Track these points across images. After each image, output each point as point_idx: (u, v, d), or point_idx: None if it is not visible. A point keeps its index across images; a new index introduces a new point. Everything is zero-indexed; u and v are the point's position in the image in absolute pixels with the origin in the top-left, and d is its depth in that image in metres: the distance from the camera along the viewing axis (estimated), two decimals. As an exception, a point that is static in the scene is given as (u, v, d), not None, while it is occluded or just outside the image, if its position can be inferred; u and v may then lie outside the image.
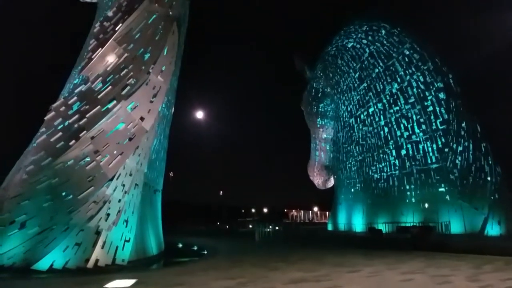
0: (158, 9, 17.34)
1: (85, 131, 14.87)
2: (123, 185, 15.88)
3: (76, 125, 14.98)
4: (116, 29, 16.14)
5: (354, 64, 46.98)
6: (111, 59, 15.98)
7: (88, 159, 14.75)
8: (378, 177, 42.65)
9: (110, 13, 16.80)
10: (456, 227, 32.20)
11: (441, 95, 37.13)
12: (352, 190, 47.35)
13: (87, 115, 15.06)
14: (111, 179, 15.31)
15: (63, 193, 14.23)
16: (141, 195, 17.82)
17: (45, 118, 15.50)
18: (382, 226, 37.38)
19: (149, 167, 19.48)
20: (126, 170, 16.20)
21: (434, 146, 36.73)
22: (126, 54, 16.03)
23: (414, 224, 35.11)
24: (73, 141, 14.59)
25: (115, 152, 15.57)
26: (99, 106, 15.18)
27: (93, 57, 15.83)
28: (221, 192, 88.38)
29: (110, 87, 15.52)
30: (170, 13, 17.87)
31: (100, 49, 15.86)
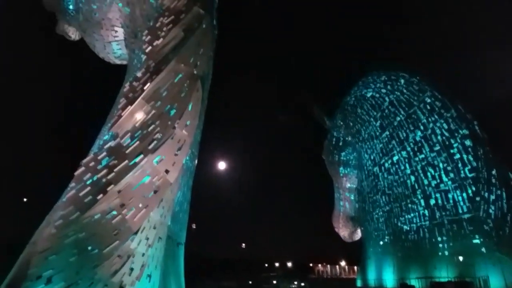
0: (184, 69, 18.44)
1: (112, 185, 15.29)
2: (147, 239, 15.93)
3: (104, 180, 15.45)
4: (145, 88, 17.17)
5: (375, 113, 47.21)
6: (139, 116, 16.83)
7: (114, 212, 15.02)
8: (408, 228, 40.93)
9: (139, 74, 17.96)
10: (495, 282, 30.03)
11: (467, 142, 36.43)
12: (381, 242, 45.42)
13: (115, 170, 15.57)
14: (136, 233, 15.42)
15: (89, 247, 14.36)
16: (164, 248, 17.76)
17: (75, 173, 16.10)
18: (415, 282, 35.33)
19: (172, 219, 19.57)
20: (150, 223, 16.33)
21: (465, 195, 35.40)
22: (153, 111, 16.89)
23: (449, 279, 33.02)
24: (101, 195, 14.99)
25: (140, 205, 15.82)
26: (127, 161, 15.73)
27: (122, 114, 16.73)
28: (244, 244, 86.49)
29: (138, 142, 16.19)
30: (195, 72, 18.94)
31: (129, 107, 16.80)
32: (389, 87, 44.34)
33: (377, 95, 46.10)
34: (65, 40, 31.06)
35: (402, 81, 42.70)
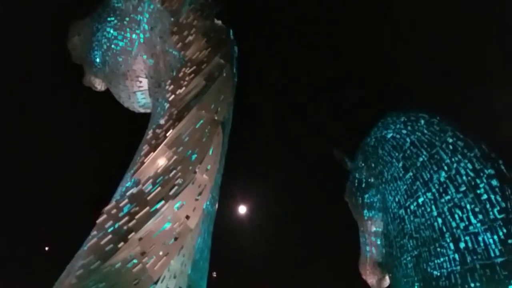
0: (205, 115, 18.75)
1: (133, 233, 15.05)
2: (167, 289, 15.50)
3: (125, 227, 15.26)
4: (167, 135, 17.41)
5: (396, 154, 46.01)
6: (161, 162, 16.96)
7: (135, 261, 14.70)
8: (438, 274, 38.24)
9: (162, 121, 18.34)
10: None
11: (494, 182, 34.69)
12: (411, 290, 42.90)
13: (136, 217, 15.40)
14: (156, 282, 15.01)
15: (109, 297, 14.05)
16: (185, 299, 17.18)
17: (97, 221, 16.10)
18: (450, 333, 32.78)
19: (192, 268, 18.97)
20: (171, 272, 15.84)
21: (496, 237, 33.13)
22: (175, 157, 16.97)
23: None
24: (122, 243, 14.72)
25: (160, 253, 15.44)
26: (148, 207, 15.58)
27: (145, 161, 16.86)
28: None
29: (159, 188, 16.11)
30: (216, 117, 19.20)
31: (152, 153, 16.96)
32: (409, 127, 43.65)
33: (398, 136, 45.38)
34: (91, 90, 32.55)
35: (422, 121, 42.04)
